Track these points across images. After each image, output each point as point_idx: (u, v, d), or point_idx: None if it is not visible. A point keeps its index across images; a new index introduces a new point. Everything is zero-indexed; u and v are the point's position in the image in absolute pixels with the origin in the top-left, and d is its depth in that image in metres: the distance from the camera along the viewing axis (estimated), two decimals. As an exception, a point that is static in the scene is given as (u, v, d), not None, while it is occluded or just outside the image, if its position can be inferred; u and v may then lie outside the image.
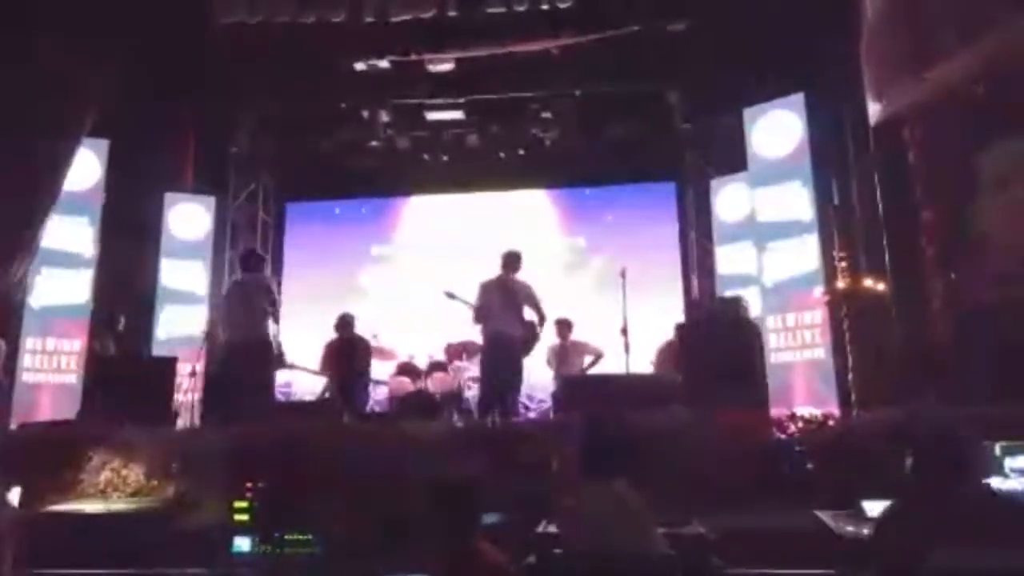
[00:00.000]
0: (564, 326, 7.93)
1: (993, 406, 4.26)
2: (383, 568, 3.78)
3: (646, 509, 3.17)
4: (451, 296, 7.28)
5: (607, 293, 8.09)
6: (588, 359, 8.00)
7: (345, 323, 7.74)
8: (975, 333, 5.42)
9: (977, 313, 5.42)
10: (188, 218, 9.28)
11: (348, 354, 7.61)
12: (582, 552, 3.15)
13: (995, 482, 3.69)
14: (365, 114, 9.64)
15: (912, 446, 2.79)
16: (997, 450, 3.84)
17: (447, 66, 8.78)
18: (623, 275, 7.16)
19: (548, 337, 7.79)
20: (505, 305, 6.87)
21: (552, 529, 3.63)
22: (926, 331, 5.96)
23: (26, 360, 7.54)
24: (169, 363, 7.17)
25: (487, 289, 6.99)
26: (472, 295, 7.08)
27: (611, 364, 7.58)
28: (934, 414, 4.62)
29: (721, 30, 7.72)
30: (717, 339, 6.45)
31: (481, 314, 6.95)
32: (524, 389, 8.65)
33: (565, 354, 7.93)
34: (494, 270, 7.15)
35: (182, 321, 8.91)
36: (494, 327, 6.88)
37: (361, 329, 7.98)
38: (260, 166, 10.65)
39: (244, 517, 4.28)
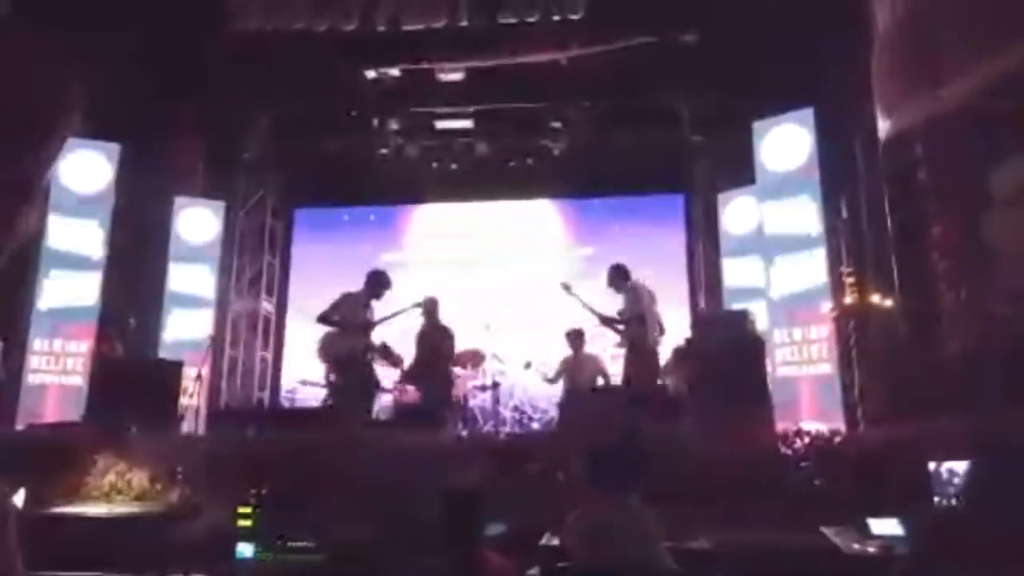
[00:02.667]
0: (576, 337, 7.81)
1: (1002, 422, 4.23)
2: (386, 576, 3.77)
3: (654, 521, 3.16)
4: (568, 289, 7.12)
5: (615, 304, 8.07)
6: (599, 379, 7.81)
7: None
8: (985, 350, 5.38)
9: (988, 329, 5.39)
10: (197, 222, 9.32)
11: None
12: (586, 565, 3.14)
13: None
14: (375, 122, 9.68)
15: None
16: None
17: (458, 75, 8.82)
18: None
19: (562, 349, 7.76)
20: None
21: (556, 542, 3.62)
22: (934, 347, 5.92)
23: (33, 361, 7.57)
24: (175, 367, 7.17)
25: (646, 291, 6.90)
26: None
27: (618, 375, 7.56)
28: (936, 433, 4.59)
29: (731, 43, 7.72)
30: (723, 353, 6.41)
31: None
32: (527, 400, 8.66)
33: (579, 367, 7.74)
34: (500, 279, 7.14)
35: (189, 325, 8.92)
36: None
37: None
38: (270, 171, 10.69)
39: (247, 523, 4.28)
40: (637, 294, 6.86)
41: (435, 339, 7.26)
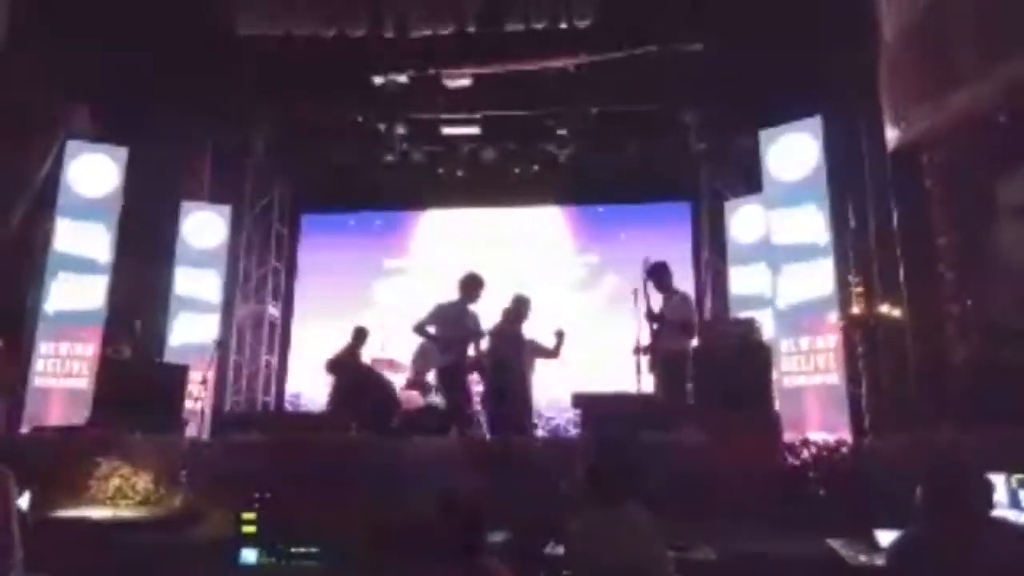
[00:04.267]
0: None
1: (1010, 436, 4.21)
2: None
3: (657, 530, 3.14)
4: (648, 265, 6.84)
5: (620, 311, 8.05)
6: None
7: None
8: (992, 360, 5.36)
9: (994, 341, 5.36)
10: (204, 227, 9.32)
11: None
12: (589, 567, 3.13)
13: (1011, 515, 3.64)
14: (382, 128, 9.68)
15: (922, 476, 2.78)
16: (1013, 483, 3.79)
17: (464, 81, 8.82)
18: (636, 294, 7.09)
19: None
20: None
21: (560, 550, 3.60)
22: (941, 357, 5.90)
23: (39, 365, 7.59)
24: (181, 371, 7.18)
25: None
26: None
27: (624, 383, 7.52)
28: (943, 444, 4.57)
29: (738, 51, 7.73)
30: (729, 361, 6.39)
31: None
32: (532, 407, 8.58)
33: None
34: (508, 285, 7.09)
35: (195, 329, 8.93)
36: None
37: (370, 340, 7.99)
38: (276, 177, 10.72)
39: (251, 529, 4.28)
40: (687, 304, 6.80)
41: None
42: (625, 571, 3.06)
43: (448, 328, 6.71)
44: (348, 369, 7.46)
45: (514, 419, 6.52)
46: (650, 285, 6.65)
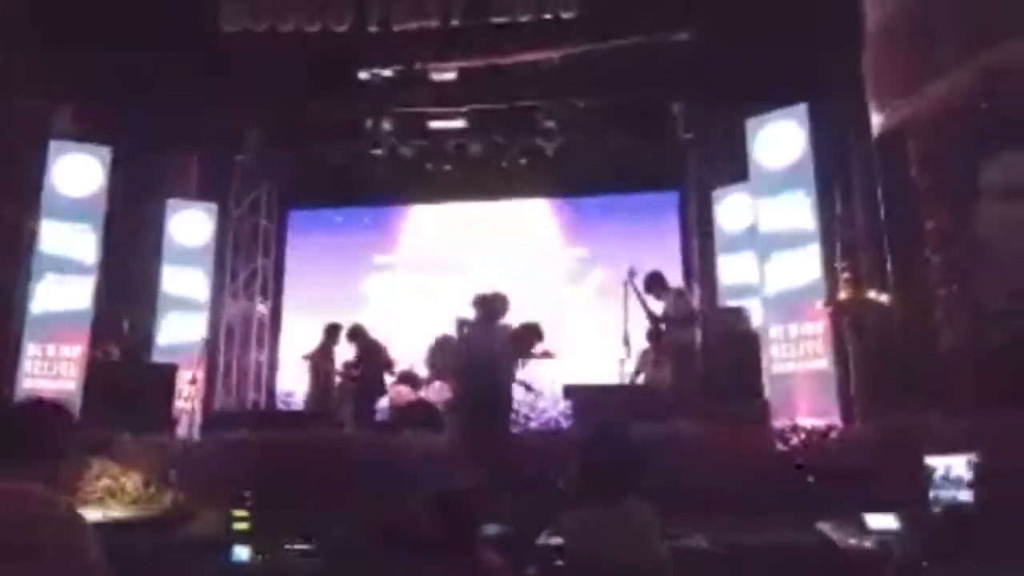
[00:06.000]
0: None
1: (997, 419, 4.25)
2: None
3: (657, 527, 3.15)
4: (631, 276, 7.00)
5: (609, 303, 8.05)
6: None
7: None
8: (979, 343, 5.40)
9: (981, 324, 5.40)
10: (190, 224, 9.27)
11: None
12: (584, 564, 3.14)
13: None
14: (368, 123, 9.64)
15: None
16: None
17: (450, 75, 8.80)
18: (625, 285, 7.13)
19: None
20: None
21: (553, 541, 3.61)
22: (929, 342, 5.94)
23: (26, 366, 7.53)
24: (170, 370, 7.15)
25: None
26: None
27: (613, 375, 7.55)
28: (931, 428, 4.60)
29: (724, 40, 7.73)
30: (718, 351, 6.42)
31: None
32: (527, 400, 8.62)
33: None
34: (494, 280, 7.07)
35: (183, 328, 8.88)
36: None
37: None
38: (263, 174, 10.64)
39: (243, 526, 4.27)
40: (685, 297, 6.86)
41: None
42: (618, 561, 3.07)
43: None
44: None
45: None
46: (649, 297, 6.77)
